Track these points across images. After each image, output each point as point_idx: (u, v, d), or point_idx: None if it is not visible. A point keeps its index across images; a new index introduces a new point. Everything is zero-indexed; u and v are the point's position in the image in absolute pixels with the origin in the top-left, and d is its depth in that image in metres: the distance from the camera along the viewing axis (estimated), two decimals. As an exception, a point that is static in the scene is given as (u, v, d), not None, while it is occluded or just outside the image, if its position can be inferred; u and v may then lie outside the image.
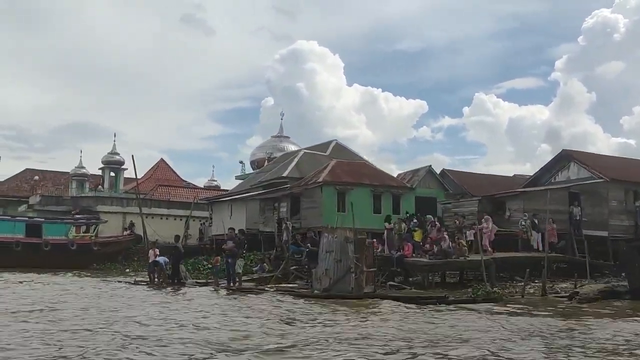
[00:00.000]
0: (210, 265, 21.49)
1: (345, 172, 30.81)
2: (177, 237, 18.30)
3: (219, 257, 17.07)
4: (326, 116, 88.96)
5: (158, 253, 17.27)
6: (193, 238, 43.36)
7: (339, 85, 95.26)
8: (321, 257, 14.81)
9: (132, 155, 40.63)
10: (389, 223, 21.13)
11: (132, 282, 18.75)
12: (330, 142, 38.17)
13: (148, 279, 17.93)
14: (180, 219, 43.74)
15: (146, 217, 38.85)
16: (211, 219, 39.46)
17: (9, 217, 33.22)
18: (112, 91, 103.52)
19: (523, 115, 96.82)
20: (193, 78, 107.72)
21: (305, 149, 37.16)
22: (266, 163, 51.59)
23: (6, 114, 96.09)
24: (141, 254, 37.92)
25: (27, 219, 33.04)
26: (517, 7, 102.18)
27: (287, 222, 19.31)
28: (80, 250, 33.09)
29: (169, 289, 16.35)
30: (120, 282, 19.33)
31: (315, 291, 14.53)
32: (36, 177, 50.49)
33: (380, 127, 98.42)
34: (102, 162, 45.86)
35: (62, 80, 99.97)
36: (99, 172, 49.73)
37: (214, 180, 58.21)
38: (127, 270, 32.07)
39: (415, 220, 21.95)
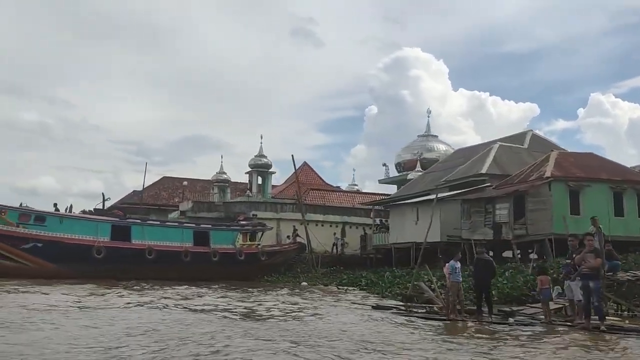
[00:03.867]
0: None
1: (574, 165, 24.91)
2: (482, 246, 12.78)
3: (546, 277, 11.69)
4: (432, 123, 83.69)
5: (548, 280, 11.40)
6: (350, 247, 39.21)
7: (444, 91, 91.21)
8: None
9: (292, 155, 37.11)
10: None
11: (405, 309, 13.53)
12: (525, 132, 32.57)
13: (448, 308, 12.02)
14: (336, 226, 39.68)
15: (300, 224, 35.07)
16: (384, 225, 34.84)
17: (177, 224, 30.20)
18: (224, 104, 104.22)
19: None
20: (300, 89, 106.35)
21: (498, 141, 31.47)
22: (418, 164, 46.63)
23: (129, 130, 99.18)
24: (304, 264, 34.13)
25: (194, 225, 29.84)
26: (634, 0, 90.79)
27: (600, 225, 13.55)
28: (247, 260, 29.45)
29: (489, 326, 10.83)
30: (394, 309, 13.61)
31: None
32: (185, 182, 48.50)
33: (488, 132, 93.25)
34: (249, 166, 42.62)
35: (178, 95, 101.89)
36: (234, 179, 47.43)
37: (355, 185, 53.84)
38: (304, 283, 27.93)
39: None
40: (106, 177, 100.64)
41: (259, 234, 31.26)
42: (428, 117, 52.98)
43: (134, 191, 55.91)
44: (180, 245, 27.78)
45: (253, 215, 34.34)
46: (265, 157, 42.66)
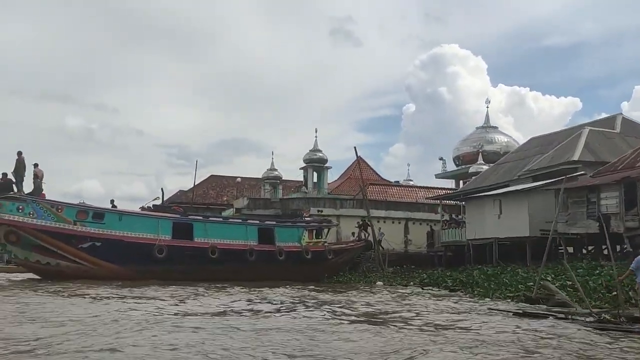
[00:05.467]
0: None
1: (688, 148, 22.03)
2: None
3: None
4: (471, 119, 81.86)
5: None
6: (414, 244, 36.81)
7: (483, 88, 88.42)
8: None
9: (355, 147, 35.12)
10: None
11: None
12: (614, 116, 29.69)
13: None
14: (399, 222, 37.31)
15: (362, 221, 32.82)
16: (454, 220, 32.42)
17: (240, 221, 28.32)
18: (264, 107, 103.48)
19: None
20: (339, 89, 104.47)
21: (587, 125, 28.69)
22: (480, 156, 43.96)
23: (170, 134, 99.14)
24: (369, 262, 31.91)
25: (258, 222, 27.90)
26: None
27: None
28: (314, 259, 27.38)
29: None
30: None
31: None
32: (238, 179, 46.95)
33: (529, 129, 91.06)
34: (304, 161, 40.73)
35: (217, 98, 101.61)
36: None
37: (410, 180, 51.34)
38: (379, 282, 25.76)
39: None
40: (148, 180, 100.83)
41: (325, 230, 29.15)
42: (487, 107, 50.22)
43: (180, 191, 54.65)
44: (244, 243, 25.87)
45: (319, 211, 32.27)
46: (320, 151, 40.67)
